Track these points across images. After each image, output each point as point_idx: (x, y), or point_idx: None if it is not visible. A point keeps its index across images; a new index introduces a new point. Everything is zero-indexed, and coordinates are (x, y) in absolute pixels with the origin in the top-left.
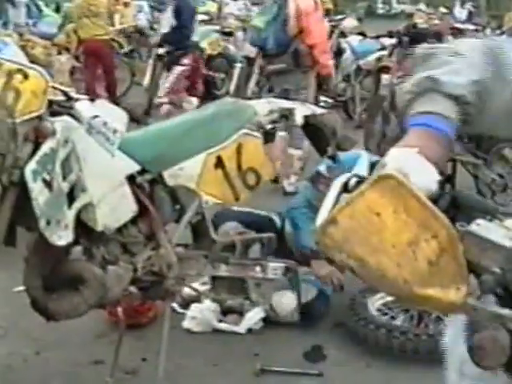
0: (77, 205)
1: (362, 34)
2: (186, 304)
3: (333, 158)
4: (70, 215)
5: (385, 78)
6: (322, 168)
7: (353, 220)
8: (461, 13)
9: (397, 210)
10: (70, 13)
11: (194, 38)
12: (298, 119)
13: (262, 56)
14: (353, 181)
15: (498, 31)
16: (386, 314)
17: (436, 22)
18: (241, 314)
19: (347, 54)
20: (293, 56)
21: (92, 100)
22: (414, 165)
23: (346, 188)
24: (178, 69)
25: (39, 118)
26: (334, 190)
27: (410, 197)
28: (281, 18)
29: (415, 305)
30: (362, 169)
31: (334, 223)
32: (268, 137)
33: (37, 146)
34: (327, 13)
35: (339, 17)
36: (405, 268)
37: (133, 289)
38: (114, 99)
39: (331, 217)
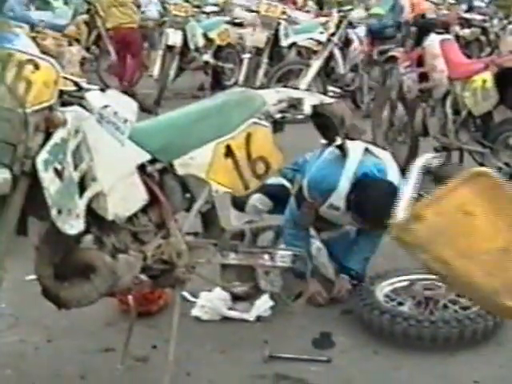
0: (88, 194)
1: None
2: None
3: (341, 147)
4: (81, 204)
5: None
6: (305, 188)
7: (440, 218)
8: (482, 0)
9: (489, 212)
10: (100, 3)
11: None
12: (307, 108)
13: (376, 38)
14: (435, 162)
15: (505, 21)
16: (393, 300)
17: (444, 12)
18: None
19: (355, 45)
20: (402, 38)
21: (102, 90)
22: None
23: (428, 170)
24: None
25: (50, 108)
26: (412, 177)
27: (505, 200)
28: (397, 8)
29: (499, 314)
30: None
31: (419, 219)
32: (277, 126)
33: (48, 136)
34: (339, 4)
35: (348, 7)
36: (497, 277)
37: (143, 277)
38: (125, 89)
39: (416, 212)
